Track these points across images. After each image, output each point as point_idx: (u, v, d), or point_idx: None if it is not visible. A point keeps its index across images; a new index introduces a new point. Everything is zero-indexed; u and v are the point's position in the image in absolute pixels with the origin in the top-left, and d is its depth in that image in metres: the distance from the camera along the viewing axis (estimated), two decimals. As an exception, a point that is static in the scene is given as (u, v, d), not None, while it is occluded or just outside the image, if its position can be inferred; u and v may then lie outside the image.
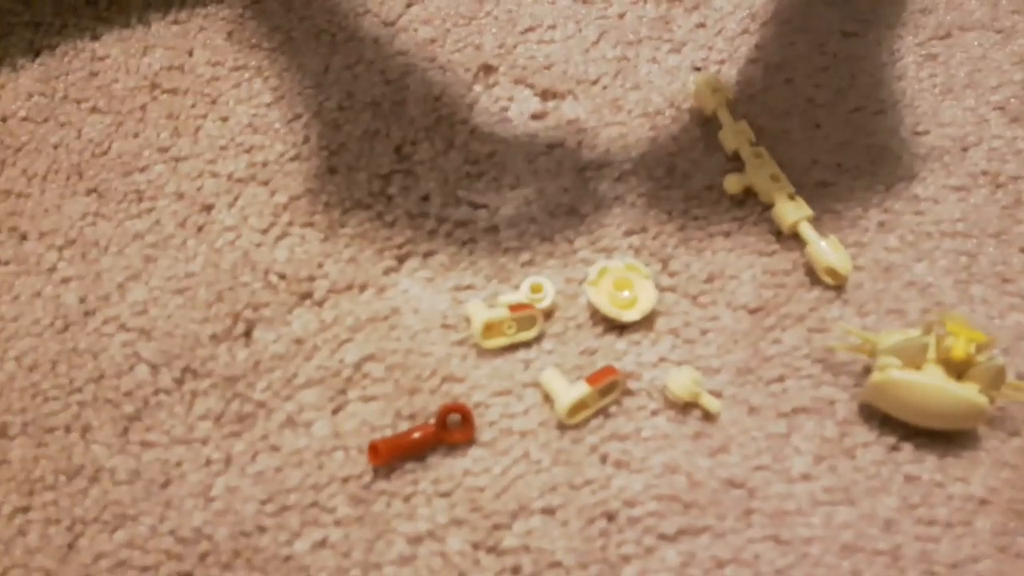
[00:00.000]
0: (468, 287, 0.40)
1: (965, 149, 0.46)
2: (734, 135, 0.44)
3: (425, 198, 0.43)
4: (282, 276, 0.40)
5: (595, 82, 0.48)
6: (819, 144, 0.46)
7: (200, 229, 0.41)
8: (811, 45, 0.50)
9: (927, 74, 0.49)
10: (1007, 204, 0.44)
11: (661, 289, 0.40)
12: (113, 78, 0.46)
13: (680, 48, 0.49)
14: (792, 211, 0.41)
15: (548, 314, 0.40)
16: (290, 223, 0.41)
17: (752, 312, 0.40)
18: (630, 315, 0.39)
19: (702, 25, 0.50)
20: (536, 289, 0.40)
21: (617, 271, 0.39)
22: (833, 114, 0.47)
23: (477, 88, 0.47)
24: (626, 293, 0.39)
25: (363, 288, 0.40)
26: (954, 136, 0.47)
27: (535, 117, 0.46)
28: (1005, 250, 0.42)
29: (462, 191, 0.43)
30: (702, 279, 0.41)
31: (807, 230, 0.41)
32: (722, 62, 0.49)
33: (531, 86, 0.47)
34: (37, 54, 0.47)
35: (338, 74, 0.47)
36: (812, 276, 0.41)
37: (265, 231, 0.41)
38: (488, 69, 0.48)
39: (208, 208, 0.41)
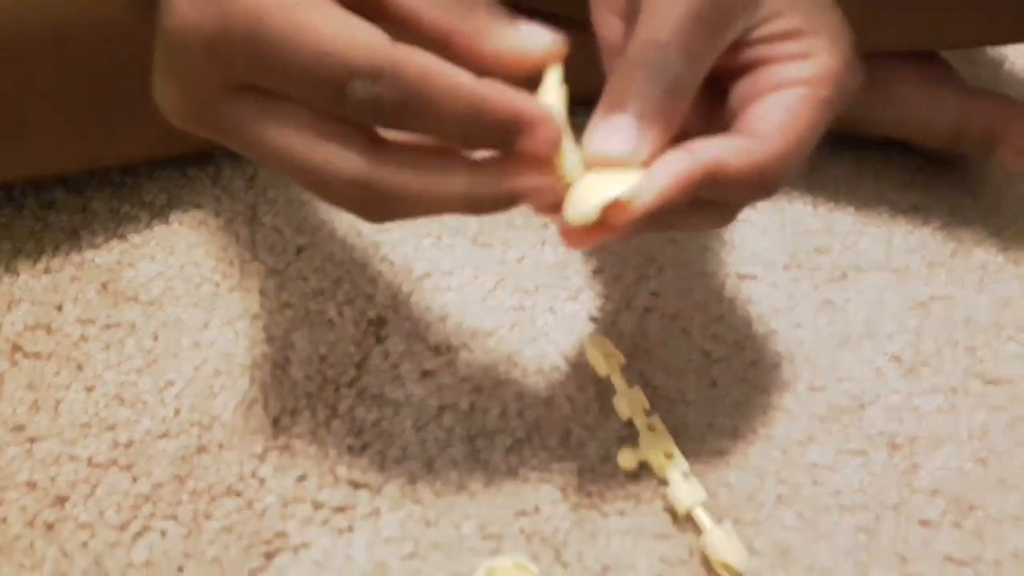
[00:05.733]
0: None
1: (863, 406, 0.46)
2: (628, 403, 0.43)
3: (302, 478, 0.40)
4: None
5: (491, 334, 0.47)
6: (715, 405, 0.45)
7: (50, 527, 0.37)
8: (708, 291, 0.49)
9: (824, 322, 0.49)
10: (904, 469, 0.43)
11: (551, 586, 0.38)
12: (-28, 340, 0.43)
13: (577, 296, 0.48)
14: (686, 495, 0.39)
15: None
16: (151, 515, 0.38)
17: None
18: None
19: (600, 271, 0.50)
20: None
21: (504, 571, 0.37)
22: (729, 369, 0.46)
23: (367, 343, 0.45)
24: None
25: (228, 591, 0.37)
26: (852, 393, 0.46)
27: (426, 375, 0.45)
28: (903, 524, 0.41)
29: (342, 468, 0.41)
30: (596, 570, 0.39)
31: (702, 517, 0.39)
32: (618, 311, 0.48)
33: (424, 339, 0.46)
34: None
35: (219, 331, 0.44)
36: (708, 566, 0.39)
37: (123, 527, 0.37)
38: (380, 322, 0.46)
39: (62, 501, 0.38)
